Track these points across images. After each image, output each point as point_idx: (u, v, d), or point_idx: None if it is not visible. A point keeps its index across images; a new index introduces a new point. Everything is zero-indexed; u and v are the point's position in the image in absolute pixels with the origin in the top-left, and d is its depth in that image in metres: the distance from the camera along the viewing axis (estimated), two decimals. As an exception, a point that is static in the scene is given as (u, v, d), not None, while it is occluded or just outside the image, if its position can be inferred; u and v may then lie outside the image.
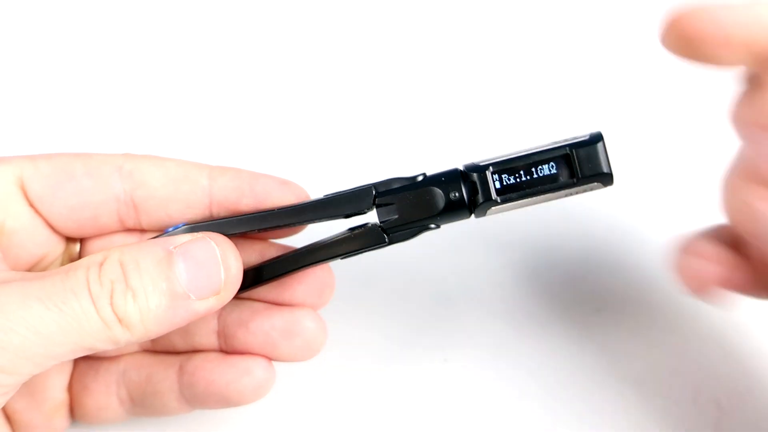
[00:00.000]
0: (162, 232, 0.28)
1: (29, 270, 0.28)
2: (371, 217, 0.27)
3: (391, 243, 0.26)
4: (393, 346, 0.34)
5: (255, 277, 0.28)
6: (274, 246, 0.29)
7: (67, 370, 0.29)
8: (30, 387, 0.28)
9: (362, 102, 0.38)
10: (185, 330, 0.29)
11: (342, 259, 0.27)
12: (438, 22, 0.40)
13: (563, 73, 0.38)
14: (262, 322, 0.28)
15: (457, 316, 0.34)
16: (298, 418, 0.33)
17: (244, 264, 0.28)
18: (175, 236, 0.25)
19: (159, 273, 0.24)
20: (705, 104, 0.34)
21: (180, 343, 0.29)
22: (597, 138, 0.25)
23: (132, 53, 0.39)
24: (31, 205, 0.27)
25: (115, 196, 0.27)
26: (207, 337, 0.29)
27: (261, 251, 0.29)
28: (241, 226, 0.27)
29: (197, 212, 0.28)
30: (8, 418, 0.29)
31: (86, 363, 0.29)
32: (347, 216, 0.27)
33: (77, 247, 0.29)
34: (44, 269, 0.28)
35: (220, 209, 0.28)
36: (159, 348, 0.30)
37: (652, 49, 0.25)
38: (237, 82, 0.39)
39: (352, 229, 0.27)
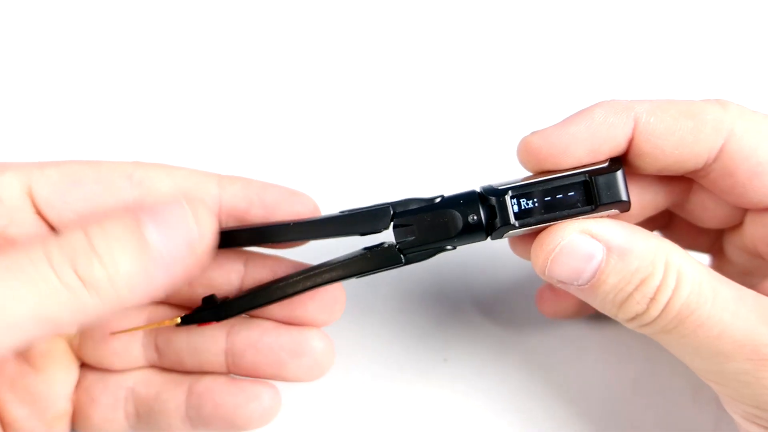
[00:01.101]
0: None
1: None
2: (386, 235, 0.26)
3: (407, 263, 0.26)
4: (393, 346, 0.34)
5: (267, 295, 0.27)
6: (285, 262, 0.29)
7: (72, 379, 0.29)
8: (32, 394, 0.28)
9: (377, 116, 0.38)
10: (194, 347, 0.29)
11: (357, 278, 0.27)
12: (456, 37, 0.39)
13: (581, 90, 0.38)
14: (270, 342, 0.28)
15: (457, 316, 0.34)
16: (298, 417, 0.33)
17: (256, 281, 0.28)
18: (145, 203, 0.25)
19: (128, 236, 0.23)
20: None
21: (189, 360, 0.29)
22: (617, 166, 0.25)
23: (145, 62, 0.39)
24: (39, 212, 0.27)
25: (124, 204, 0.26)
26: (216, 355, 0.29)
27: (272, 267, 0.29)
28: (256, 237, 0.27)
29: None
30: (8, 427, 0.28)
31: (95, 375, 0.29)
32: (363, 234, 0.26)
33: None
34: None
35: (229, 218, 0.28)
36: (167, 365, 0.29)
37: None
38: (252, 94, 0.38)
39: (368, 249, 0.27)
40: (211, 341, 0.29)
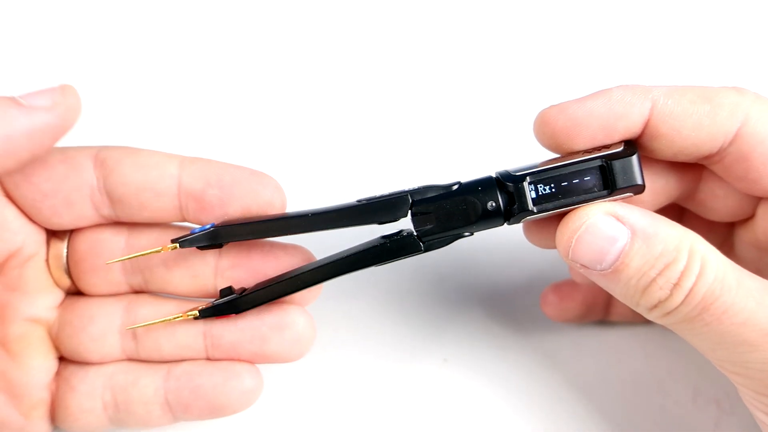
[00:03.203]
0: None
1: (3, 263, 0.27)
2: (404, 223, 0.26)
3: (426, 251, 0.26)
4: (393, 346, 0.33)
5: (285, 286, 0.27)
6: (302, 252, 0.29)
7: (50, 368, 0.29)
8: (10, 383, 0.28)
9: (384, 105, 0.38)
10: (173, 331, 0.28)
11: (376, 266, 0.27)
12: (462, 23, 0.39)
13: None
14: (250, 319, 0.28)
15: (457, 316, 0.34)
16: (298, 417, 0.32)
17: (273, 273, 0.28)
18: None
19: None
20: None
21: (167, 346, 0.29)
22: (632, 149, 0.25)
23: (119, 50, 0.38)
24: (7, 194, 0.27)
25: (88, 183, 0.27)
26: (194, 338, 0.28)
27: (289, 257, 0.28)
28: (270, 229, 0.27)
29: (167, 200, 0.27)
30: None
31: (74, 365, 0.29)
32: (381, 223, 0.26)
33: (65, 244, 0.29)
34: (24, 263, 0.28)
35: (188, 198, 0.27)
36: (145, 354, 0.29)
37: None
38: (256, 85, 0.38)
39: (386, 237, 0.27)
40: (188, 323, 0.28)
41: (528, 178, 0.25)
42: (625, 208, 0.24)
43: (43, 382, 0.28)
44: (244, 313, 0.28)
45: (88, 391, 0.28)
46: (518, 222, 0.26)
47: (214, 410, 0.28)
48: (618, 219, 0.24)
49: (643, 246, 0.24)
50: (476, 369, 0.33)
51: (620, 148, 0.25)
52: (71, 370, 0.29)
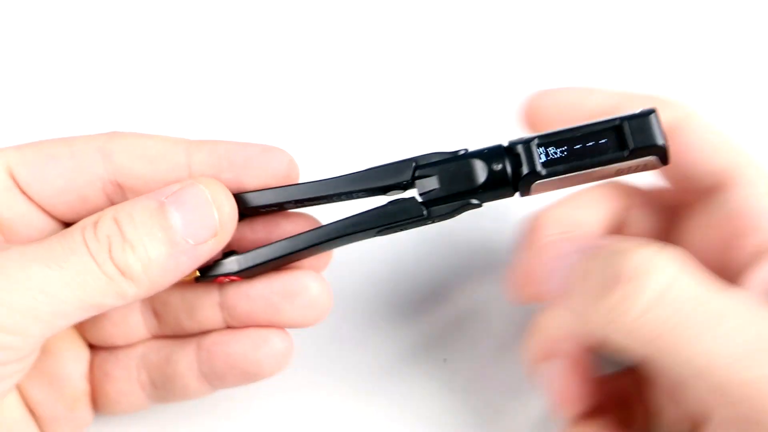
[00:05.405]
0: None
1: None
2: (411, 195, 0.26)
3: (430, 217, 0.25)
4: (393, 346, 0.33)
5: (288, 246, 0.27)
6: (304, 218, 0.28)
7: (84, 358, 0.29)
8: (48, 376, 0.28)
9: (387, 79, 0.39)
10: (189, 305, 0.28)
11: (378, 234, 0.26)
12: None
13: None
14: (261, 288, 0.28)
15: (457, 316, 0.34)
16: (297, 417, 0.32)
17: (275, 239, 0.28)
18: (166, 187, 0.25)
19: (154, 223, 0.24)
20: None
21: (187, 322, 0.29)
22: (649, 111, 0.24)
23: (117, 39, 0.39)
24: (23, 192, 0.27)
25: (99, 176, 0.27)
26: (212, 309, 0.28)
27: (292, 224, 0.28)
28: (276, 197, 0.26)
29: None
30: (32, 413, 0.28)
31: (105, 351, 0.29)
32: (386, 190, 0.26)
33: None
34: None
35: None
36: (169, 332, 0.29)
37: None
38: (255, 60, 0.39)
39: (390, 202, 0.26)
40: (205, 296, 0.28)
41: (537, 140, 0.24)
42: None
43: (80, 372, 0.29)
44: (252, 281, 0.28)
45: (124, 375, 0.29)
46: (529, 191, 0.25)
47: (249, 376, 0.28)
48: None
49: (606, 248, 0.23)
50: (476, 369, 0.33)
51: (638, 111, 0.24)
52: (103, 357, 0.29)
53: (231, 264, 0.27)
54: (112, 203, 0.28)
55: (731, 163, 0.27)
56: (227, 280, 0.27)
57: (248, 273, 0.27)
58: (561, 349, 0.28)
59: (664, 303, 0.22)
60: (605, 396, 0.29)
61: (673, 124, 0.26)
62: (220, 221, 0.25)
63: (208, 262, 0.26)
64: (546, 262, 0.25)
